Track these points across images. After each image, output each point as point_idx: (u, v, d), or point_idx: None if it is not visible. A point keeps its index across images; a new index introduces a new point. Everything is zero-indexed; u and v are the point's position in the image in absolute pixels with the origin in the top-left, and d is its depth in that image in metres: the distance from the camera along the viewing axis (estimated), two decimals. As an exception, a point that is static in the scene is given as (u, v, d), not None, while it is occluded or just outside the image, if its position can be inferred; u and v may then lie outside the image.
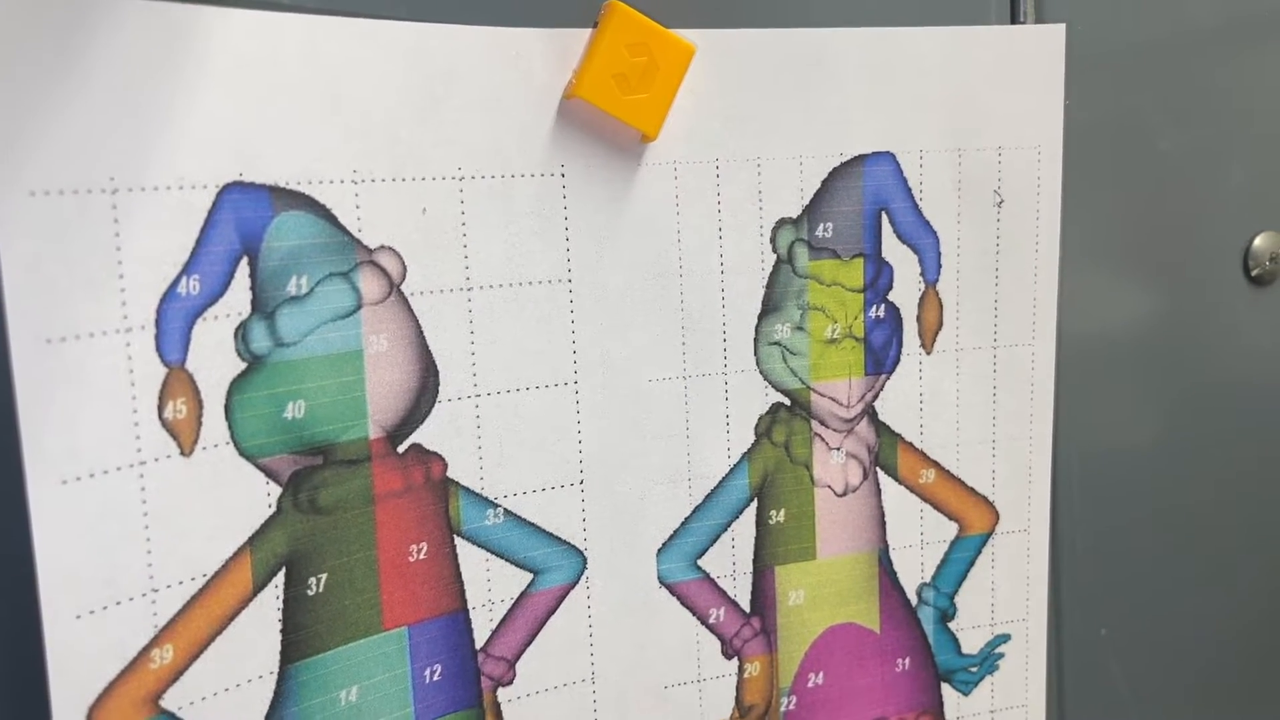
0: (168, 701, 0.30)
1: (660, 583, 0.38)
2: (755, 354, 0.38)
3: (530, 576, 0.36)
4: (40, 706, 0.28)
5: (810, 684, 0.41)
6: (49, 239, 0.27)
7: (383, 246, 0.33)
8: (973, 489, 0.42)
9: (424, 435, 0.34)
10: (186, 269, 0.30)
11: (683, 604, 0.39)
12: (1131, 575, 0.46)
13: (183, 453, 0.30)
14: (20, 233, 0.26)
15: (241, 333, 0.31)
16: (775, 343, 0.38)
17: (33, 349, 0.27)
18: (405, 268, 0.33)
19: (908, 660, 0.42)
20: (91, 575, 0.28)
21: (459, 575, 0.35)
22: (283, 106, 0.31)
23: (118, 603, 0.28)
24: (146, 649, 0.29)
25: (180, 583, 0.30)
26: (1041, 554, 0.43)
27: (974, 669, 0.43)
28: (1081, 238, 0.43)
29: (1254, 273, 0.46)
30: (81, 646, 0.28)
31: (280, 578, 0.32)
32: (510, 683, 0.36)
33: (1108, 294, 0.45)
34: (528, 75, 0.34)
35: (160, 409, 0.29)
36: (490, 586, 0.36)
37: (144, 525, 0.29)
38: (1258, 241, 0.46)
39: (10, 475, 0.27)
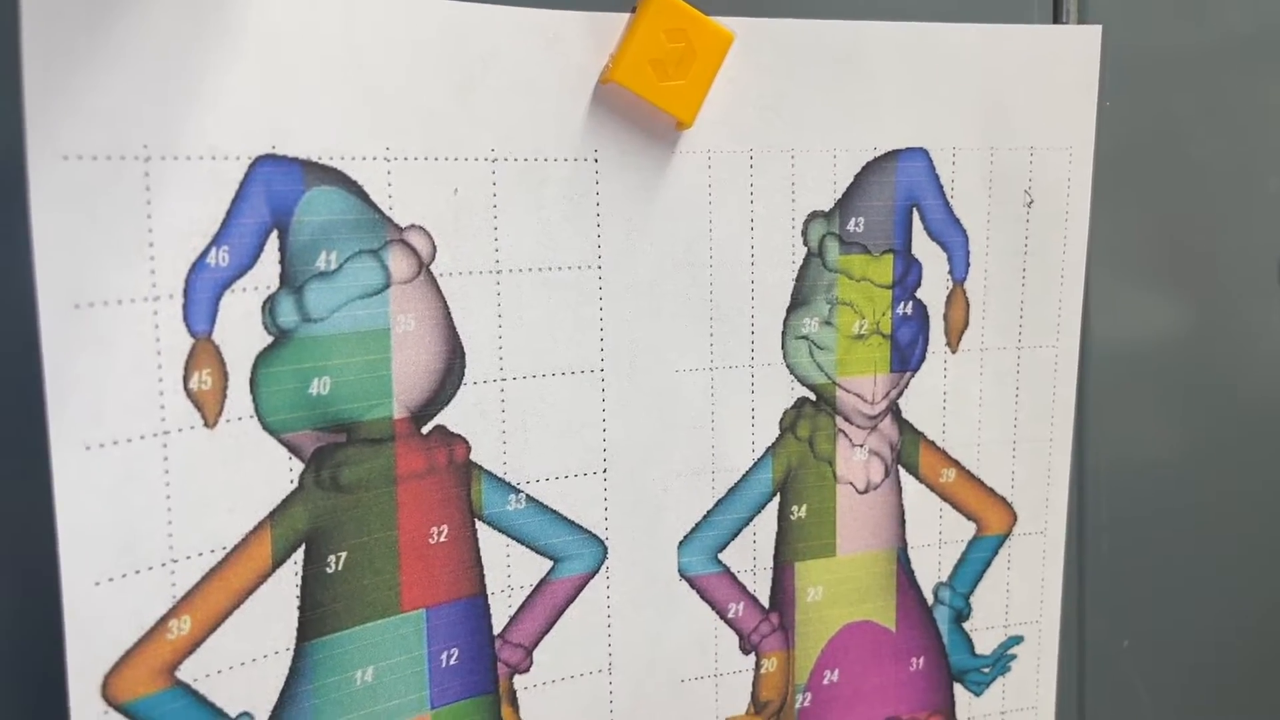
0: (183, 673, 0.29)
1: (680, 575, 0.38)
2: (783, 347, 0.38)
3: (550, 564, 0.36)
4: (57, 675, 0.27)
5: (825, 681, 0.41)
6: (80, 203, 0.27)
7: (413, 225, 0.33)
8: (992, 489, 0.42)
9: (448, 417, 0.34)
10: (216, 240, 0.29)
11: (702, 597, 0.38)
12: (1157, 586, 0.46)
13: (206, 424, 0.29)
14: (52, 195, 0.26)
15: (269, 306, 0.30)
16: (803, 336, 0.38)
17: (61, 313, 0.26)
18: (435, 248, 0.33)
19: (922, 659, 0.42)
20: (111, 542, 0.28)
21: (479, 560, 0.35)
22: (317, 80, 0.31)
23: (137, 571, 0.28)
24: (164, 619, 0.29)
25: (200, 554, 0.29)
26: (1057, 556, 0.43)
27: (986, 670, 0.43)
28: (1117, 243, 0.43)
29: (1284, 283, 0.46)
30: (99, 614, 0.27)
31: (300, 554, 0.32)
32: (527, 670, 0.36)
33: (1141, 300, 0.44)
34: (565, 58, 0.34)
35: (186, 379, 0.29)
36: (510, 572, 0.35)
37: (165, 495, 0.29)
38: (1291, 251, 0.46)
39: (32, 441, 0.27)
